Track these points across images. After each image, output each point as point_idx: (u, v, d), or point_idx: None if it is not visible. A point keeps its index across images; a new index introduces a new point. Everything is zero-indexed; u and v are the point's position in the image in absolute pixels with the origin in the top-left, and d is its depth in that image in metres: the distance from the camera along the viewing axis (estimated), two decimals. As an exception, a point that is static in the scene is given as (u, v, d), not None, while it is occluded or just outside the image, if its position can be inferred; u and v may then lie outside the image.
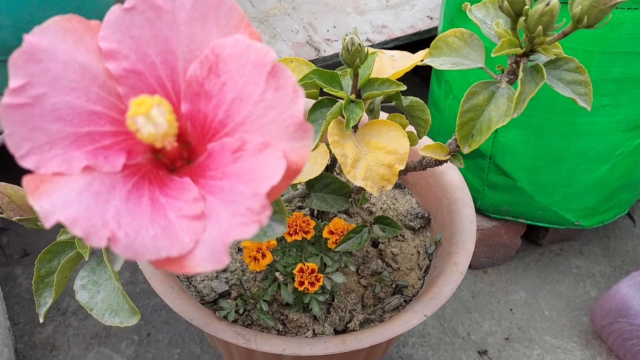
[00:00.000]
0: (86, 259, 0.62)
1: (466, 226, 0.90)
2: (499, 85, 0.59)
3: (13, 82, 0.35)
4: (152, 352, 1.15)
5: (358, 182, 0.69)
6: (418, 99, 0.82)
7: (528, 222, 1.18)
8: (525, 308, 1.24)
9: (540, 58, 0.59)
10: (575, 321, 1.22)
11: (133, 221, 0.35)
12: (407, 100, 0.82)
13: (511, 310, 1.24)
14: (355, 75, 0.72)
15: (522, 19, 0.54)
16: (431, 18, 1.38)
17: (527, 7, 0.53)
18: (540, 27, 0.52)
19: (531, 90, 0.56)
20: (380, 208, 1.02)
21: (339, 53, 1.31)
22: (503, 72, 0.61)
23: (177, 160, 0.43)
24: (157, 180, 0.40)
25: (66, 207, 0.34)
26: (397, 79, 0.74)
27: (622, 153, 1.05)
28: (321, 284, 0.75)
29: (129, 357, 1.14)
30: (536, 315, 1.23)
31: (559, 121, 1.01)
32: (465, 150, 0.60)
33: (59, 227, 0.62)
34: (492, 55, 0.55)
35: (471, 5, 0.62)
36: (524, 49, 0.56)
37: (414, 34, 1.36)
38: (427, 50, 0.82)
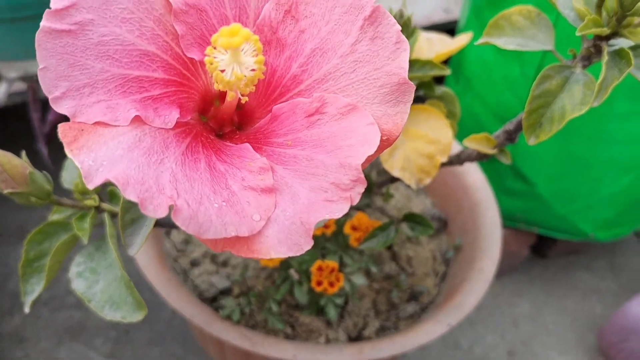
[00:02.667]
0: (85, 242, 0.53)
1: (491, 230, 0.84)
2: (573, 70, 0.52)
3: (56, 2, 0.27)
4: (130, 350, 1.05)
5: (395, 173, 0.62)
6: (449, 89, 0.76)
7: (541, 231, 1.12)
8: (530, 322, 1.18)
9: (621, 43, 0.52)
10: (581, 337, 1.16)
11: (192, 188, 0.27)
12: (439, 90, 0.75)
13: (515, 323, 1.18)
14: (396, 55, 0.65)
15: (615, -6, 0.47)
16: (447, 12, 1.31)
17: (623, -20, 0.46)
18: (638, 4, 0.46)
19: (615, 77, 0.49)
20: (394, 207, 0.94)
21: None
22: (575, 56, 0.54)
23: (227, 124, 0.35)
24: (211, 145, 0.32)
25: (114, 164, 0.26)
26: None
27: (647, 164, 1.00)
28: (341, 284, 0.67)
29: (105, 355, 1.04)
30: (541, 329, 1.17)
31: (589, 126, 0.95)
32: (532, 141, 0.53)
33: (44, 204, 0.53)
34: (577, 33, 0.49)
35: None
36: (609, 30, 0.50)
37: (429, 27, 1.29)
38: (469, 33, 0.75)
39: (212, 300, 0.77)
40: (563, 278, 1.27)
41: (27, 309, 0.55)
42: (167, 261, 0.80)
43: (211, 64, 0.29)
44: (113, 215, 0.56)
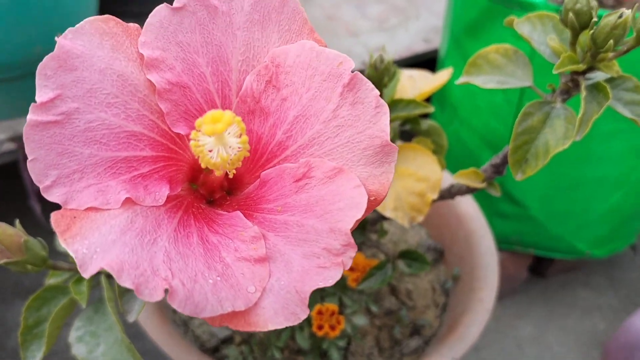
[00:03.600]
0: (83, 306, 0.53)
1: (487, 259, 0.84)
2: (553, 105, 0.53)
3: (41, 95, 0.27)
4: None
5: (388, 213, 0.62)
6: (435, 122, 0.77)
7: (538, 252, 1.13)
8: (534, 344, 1.18)
9: (597, 76, 0.53)
10: (586, 356, 1.16)
11: (186, 266, 0.28)
12: (425, 124, 0.76)
13: (519, 346, 1.17)
14: (380, 96, 0.66)
15: (587, 32, 0.48)
16: (427, 41, 1.33)
17: (594, 19, 0.48)
18: (611, 41, 0.47)
19: (594, 110, 0.51)
20: (390, 240, 0.95)
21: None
22: (554, 91, 0.55)
23: (217, 190, 0.36)
24: (202, 216, 0.32)
25: (107, 251, 0.26)
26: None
27: (635, 180, 1.01)
28: (342, 327, 0.67)
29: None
30: (545, 351, 1.17)
31: (576, 146, 0.95)
32: (519, 177, 0.54)
33: (41, 270, 0.53)
34: (554, 72, 0.50)
35: (516, 19, 0.57)
36: (585, 66, 0.51)
37: (411, 57, 1.31)
38: (449, 69, 0.77)
39: (214, 351, 0.77)
40: (563, 296, 1.27)
41: (29, 378, 0.55)
42: (167, 314, 0.79)
43: (197, 147, 0.29)
44: (109, 276, 0.56)
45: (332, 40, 1.34)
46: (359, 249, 0.89)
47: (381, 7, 1.47)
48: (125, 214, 0.29)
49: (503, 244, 1.14)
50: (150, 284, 0.26)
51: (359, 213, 0.29)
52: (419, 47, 1.32)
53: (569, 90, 0.54)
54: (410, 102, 0.68)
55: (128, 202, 0.29)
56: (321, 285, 0.28)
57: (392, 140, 0.73)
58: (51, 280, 0.59)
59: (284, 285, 0.28)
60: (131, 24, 0.32)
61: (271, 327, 0.28)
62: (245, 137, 0.29)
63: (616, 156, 0.97)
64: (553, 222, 1.06)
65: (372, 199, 0.31)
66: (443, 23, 1.14)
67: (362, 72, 0.63)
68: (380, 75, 0.63)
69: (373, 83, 0.62)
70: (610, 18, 0.47)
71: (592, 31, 0.48)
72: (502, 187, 1.06)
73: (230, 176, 0.32)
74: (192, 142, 0.29)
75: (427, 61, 1.33)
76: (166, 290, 0.26)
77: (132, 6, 1.35)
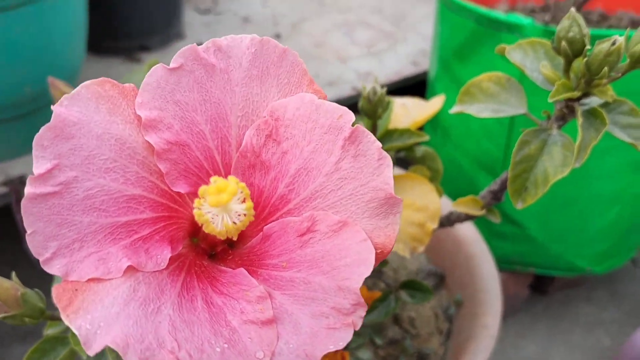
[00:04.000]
0: (84, 358, 0.52)
1: (489, 283, 0.83)
2: (549, 132, 0.53)
3: (38, 166, 0.27)
4: None
5: (389, 247, 0.62)
6: (429, 148, 0.77)
7: (538, 271, 1.13)
8: (539, 363, 1.17)
9: (592, 101, 0.53)
10: (592, 373, 1.15)
11: (192, 335, 0.27)
12: (419, 151, 0.76)
13: (525, 366, 1.16)
14: (374, 127, 0.66)
15: (580, 60, 0.48)
16: (416, 64, 1.34)
17: (587, 47, 0.48)
18: (605, 68, 0.47)
19: (592, 137, 0.51)
20: (390, 267, 0.94)
21: (325, 103, 1.25)
22: (549, 117, 0.55)
23: (218, 244, 0.35)
24: (205, 275, 0.31)
25: (111, 325, 0.25)
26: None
27: (631, 195, 1.01)
28: (348, 363, 0.66)
29: None
30: (551, 370, 1.16)
31: (570, 165, 0.96)
32: (519, 205, 0.53)
33: (39, 322, 0.53)
34: (550, 100, 0.50)
35: (507, 46, 0.57)
36: (580, 92, 0.51)
37: (400, 81, 1.31)
38: (442, 96, 0.77)
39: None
40: (565, 313, 1.26)
41: None
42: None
43: (201, 216, 0.29)
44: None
45: (322, 67, 1.35)
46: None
47: (369, 32, 1.48)
48: (128, 283, 0.28)
49: (503, 264, 1.13)
50: (157, 357, 0.25)
51: (367, 270, 0.28)
52: (408, 70, 1.33)
53: (564, 117, 0.54)
54: (404, 132, 0.68)
55: (130, 269, 0.29)
56: (332, 348, 0.27)
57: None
58: (49, 330, 0.58)
59: (293, 349, 0.28)
60: (127, 85, 0.31)
61: (284, 395, 0.27)
62: (250, 204, 0.29)
63: (611, 172, 0.97)
64: (552, 240, 1.05)
65: (378, 251, 0.30)
66: (431, 46, 1.14)
67: (353, 98, 0.63)
68: (374, 107, 0.62)
69: (366, 115, 0.63)
70: (603, 45, 0.47)
71: (585, 59, 0.48)
72: (500, 208, 1.06)
73: (235, 239, 0.32)
74: (195, 211, 0.29)
75: (417, 84, 1.34)
76: (173, 364, 0.25)
77: (120, 42, 1.35)
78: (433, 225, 0.64)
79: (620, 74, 0.49)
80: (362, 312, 0.28)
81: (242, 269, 0.32)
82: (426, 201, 0.65)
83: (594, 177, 0.98)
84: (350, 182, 0.30)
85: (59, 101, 0.28)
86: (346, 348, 0.69)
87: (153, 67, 0.31)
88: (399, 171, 0.77)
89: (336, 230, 0.30)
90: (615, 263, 1.14)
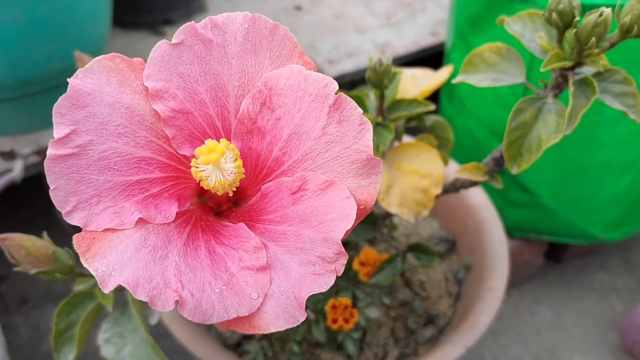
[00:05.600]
0: (110, 310, 0.57)
1: (497, 248, 0.86)
2: (545, 100, 0.56)
3: (58, 131, 0.31)
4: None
5: (393, 209, 0.65)
6: (440, 117, 0.79)
7: (551, 238, 1.15)
8: (552, 329, 1.20)
9: (586, 70, 0.55)
10: (604, 338, 1.18)
11: (195, 278, 0.31)
12: (429, 120, 0.79)
13: (538, 332, 1.19)
14: (382, 97, 0.69)
15: (571, 30, 0.50)
16: (435, 35, 1.35)
17: (576, 18, 0.50)
18: (593, 39, 0.49)
19: (582, 104, 0.53)
20: (402, 233, 0.97)
21: (343, 74, 1.28)
22: (546, 86, 0.57)
23: (224, 202, 0.39)
24: (209, 228, 0.35)
25: (124, 268, 0.30)
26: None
27: (644, 162, 1.02)
28: (356, 320, 0.70)
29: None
30: (563, 335, 1.19)
31: (581, 133, 0.97)
32: (514, 170, 0.56)
33: (69, 278, 0.58)
34: (542, 69, 0.52)
35: (507, 17, 0.59)
36: (572, 62, 0.53)
37: (418, 52, 1.32)
38: (450, 66, 0.79)
39: (237, 346, 0.81)
40: (580, 280, 1.29)
41: (62, 380, 0.59)
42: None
43: (197, 173, 0.32)
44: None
45: (340, 38, 1.37)
46: (372, 244, 0.92)
47: (388, 2, 1.49)
48: (139, 233, 0.32)
49: (517, 231, 1.16)
50: (163, 296, 0.29)
51: (348, 224, 0.32)
52: (427, 41, 1.34)
53: (560, 85, 0.56)
54: (411, 102, 0.70)
55: (141, 221, 0.33)
56: (316, 290, 0.31)
57: (398, 137, 0.76)
58: (79, 286, 0.63)
59: (283, 291, 0.32)
60: (135, 59, 0.35)
61: (273, 329, 0.31)
62: (239, 162, 0.33)
63: (623, 140, 0.98)
64: (564, 208, 1.07)
65: (361, 207, 0.34)
66: (448, 17, 1.16)
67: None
68: (380, 77, 0.65)
69: (373, 85, 0.66)
70: (591, 17, 0.49)
71: (575, 30, 0.50)
72: (513, 176, 1.08)
73: (231, 194, 0.35)
74: (192, 169, 0.33)
75: (435, 55, 1.35)
76: (177, 301, 0.29)
77: (144, 17, 1.39)
78: (437, 190, 0.67)
79: (609, 45, 0.51)
80: (344, 260, 0.32)
81: (242, 224, 0.35)
82: (431, 168, 0.68)
83: (606, 145, 0.99)
84: (336, 145, 0.34)
85: (74, 74, 0.32)
86: (355, 306, 0.73)
87: (158, 43, 0.35)
88: (408, 139, 0.80)
89: (324, 189, 0.34)
90: (629, 231, 1.15)
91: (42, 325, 1.21)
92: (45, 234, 0.56)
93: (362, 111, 0.33)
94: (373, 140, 0.67)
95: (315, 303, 0.74)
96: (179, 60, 0.35)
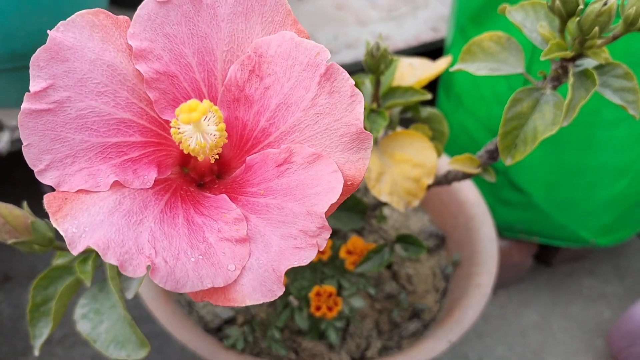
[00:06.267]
0: (88, 285, 0.55)
1: (486, 245, 0.85)
2: (543, 92, 0.54)
3: (34, 85, 0.30)
4: (145, 381, 1.07)
5: (384, 197, 0.64)
6: (436, 110, 0.78)
7: (542, 240, 1.14)
8: (538, 331, 1.19)
9: (587, 62, 0.54)
10: (589, 344, 1.17)
11: (170, 245, 0.29)
12: (425, 112, 0.77)
13: (523, 334, 1.18)
14: (377, 83, 0.67)
15: (574, 19, 0.49)
16: (435, 30, 1.34)
17: (580, 7, 0.49)
18: (596, 28, 0.48)
19: (581, 97, 0.52)
20: (392, 226, 0.96)
21: (341, 65, 1.26)
22: (545, 78, 0.56)
23: (207, 174, 0.38)
24: (189, 198, 0.34)
25: (95, 230, 0.28)
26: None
27: None
28: (340, 308, 0.69)
29: (120, 388, 1.06)
30: (549, 338, 1.18)
31: (578, 134, 0.96)
32: (508, 162, 0.55)
33: (48, 251, 0.56)
34: (542, 58, 0.51)
35: (509, 6, 0.58)
36: (573, 52, 0.52)
37: (418, 46, 1.31)
38: (448, 57, 0.78)
39: (217, 330, 0.79)
40: (569, 284, 1.28)
41: (36, 352, 0.57)
42: (172, 295, 0.82)
43: (177, 134, 0.31)
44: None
45: (340, 29, 1.35)
46: (359, 234, 0.91)
47: (390, -5, 1.47)
48: (114, 196, 0.31)
49: (507, 232, 1.15)
50: (134, 261, 0.28)
51: (334, 197, 0.30)
52: (427, 36, 1.33)
53: (559, 77, 0.55)
54: (407, 90, 0.69)
55: (117, 185, 0.31)
56: (296, 264, 0.30)
57: (392, 126, 0.75)
58: (58, 260, 0.61)
59: (262, 264, 0.30)
60: (120, 17, 0.34)
61: (249, 302, 0.30)
62: (222, 125, 0.31)
63: (621, 144, 0.97)
64: (556, 210, 1.06)
65: (349, 183, 0.32)
66: (449, 12, 1.14)
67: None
68: (376, 62, 0.64)
69: (370, 70, 0.64)
70: (595, 5, 0.48)
71: (578, 19, 0.49)
72: (506, 175, 1.07)
73: (212, 161, 0.34)
74: (172, 130, 0.31)
75: (435, 50, 1.34)
76: (149, 267, 0.28)
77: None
78: (428, 180, 0.65)
79: (612, 37, 0.50)
80: (327, 234, 0.30)
81: (224, 195, 0.34)
82: (424, 158, 0.66)
83: (603, 148, 0.98)
84: (325, 117, 0.32)
85: (55, 26, 0.31)
86: (339, 294, 0.72)
87: (144, 1, 0.33)
88: (403, 128, 0.79)
89: (310, 162, 0.32)
90: (621, 237, 1.14)
91: (24, 303, 1.19)
92: (25, 203, 0.55)
93: (353, 82, 0.31)
94: (366, 126, 0.66)
95: (300, 290, 0.72)
96: (166, 19, 0.34)
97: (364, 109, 0.68)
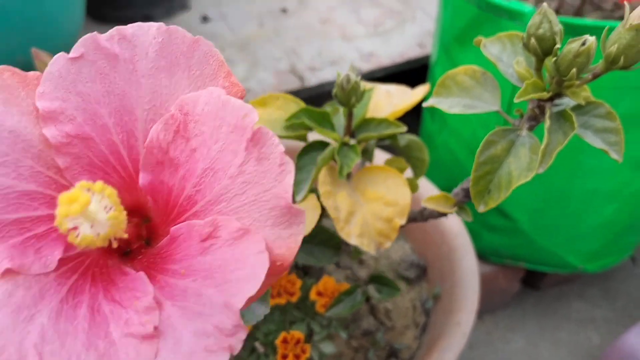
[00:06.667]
0: None
1: (468, 278, 0.81)
2: (519, 133, 0.51)
3: None
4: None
5: (353, 240, 0.60)
6: (416, 137, 0.74)
7: (529, 265, 1.10)
8: (526, 358, 1.15)
9: (566, 102, 0.50)
10: (579, 371, 1.13)
11: (62, 348, 0.25)
12: (404, 140, 0.74)
13: (511, 361, 1.14)
14: (350, 115, 0.63)
15: (551, 58, 0.45)
16: (422, 46, 1.30)
17: (557, 46, 0.45)
18: (574, 70, 0.44)
19: (559, 141, 0.48)
20: (371, 256, 0.92)
21: (324, 83, 1.23)
22: (522, 116, 0.52)
23: (135, 240, 0.34)
24: (102, 278, 0.30)
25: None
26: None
27: (629, 193, 0.98)
28: (308, 356, 0.65)
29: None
30: (537, 365, 1.14)
31: (566, 159, 0.92)
32: (481, 209, 0.51)
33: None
34: (516, 100, 0.47)
35: (484, 39, 0.54)
36: (550, 93, 0.48)
37: (403, 63, 1.27)
38: (426, 85, 0.74)
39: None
40: (557, 309, 1.24)
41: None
42: None
43: (60, 224, 0.27)
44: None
45: (325, 44, 1.31)
46: (338, 266, 0.87)
47: (377, 10, 1.44)
48: (4, 287, 0.27)
49: (493, 257, 1.11)
50: (10, 374, 0.24)
51: (254, 288, 0.26)
52: (413, 52, 1.29)
53: (537, 117, 0.51)
54: (381, 122, 0.65)
55: (10, 273, 0.27)
56: (203, 370, 0.26)
57: (368, 157, 0.71)
58: None
59: (168, 369, 0.26)
60: (30, 73, 0.30)
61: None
62: (114, 213, 0.27)
63: (609, 169, 0.94)
64: (543, 235, 1.03)
65: (278, 264, 0.28)
66: (434, 30, 1.11)
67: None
68: (347, 95, 0.60)
69: (340, 103, 0.60)
70: (573, 45, 0.44)
71: (555, 58, 0.45)
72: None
73: (114, 246, 0.30)
74: (56, 221, 0.27)
75: (421, 67, 1.30)
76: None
77: (123, 11, 1.33)
78: (401, 221, 0.61)
79: (592, 76, 0.46)
80: (243, 335, 0.26)
81: (142, 273, 0.30)
82: (397, 196, 0.63)
83: (591, 173, 0.94)
84: (253, 187, 0.28)
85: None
86: (310, 339, 0.68)
87: (56, 55, 0.29)
88: (383, 155, 0.75)
89: (237, 238, 0.28)
90: (609, 262, 1.10)
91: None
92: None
93: (283, 149, 0.27)
94: (338, 161, 0.62)
95: (267, 334, 0.68)
96: (79, 77, 0.29)
97: (336, 141, 0.65)
